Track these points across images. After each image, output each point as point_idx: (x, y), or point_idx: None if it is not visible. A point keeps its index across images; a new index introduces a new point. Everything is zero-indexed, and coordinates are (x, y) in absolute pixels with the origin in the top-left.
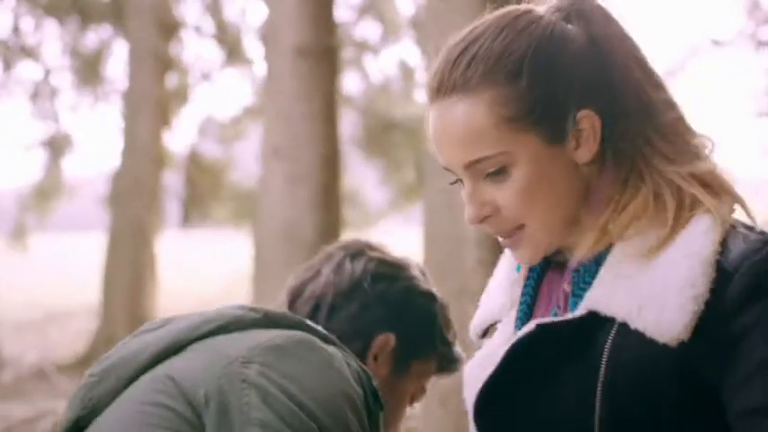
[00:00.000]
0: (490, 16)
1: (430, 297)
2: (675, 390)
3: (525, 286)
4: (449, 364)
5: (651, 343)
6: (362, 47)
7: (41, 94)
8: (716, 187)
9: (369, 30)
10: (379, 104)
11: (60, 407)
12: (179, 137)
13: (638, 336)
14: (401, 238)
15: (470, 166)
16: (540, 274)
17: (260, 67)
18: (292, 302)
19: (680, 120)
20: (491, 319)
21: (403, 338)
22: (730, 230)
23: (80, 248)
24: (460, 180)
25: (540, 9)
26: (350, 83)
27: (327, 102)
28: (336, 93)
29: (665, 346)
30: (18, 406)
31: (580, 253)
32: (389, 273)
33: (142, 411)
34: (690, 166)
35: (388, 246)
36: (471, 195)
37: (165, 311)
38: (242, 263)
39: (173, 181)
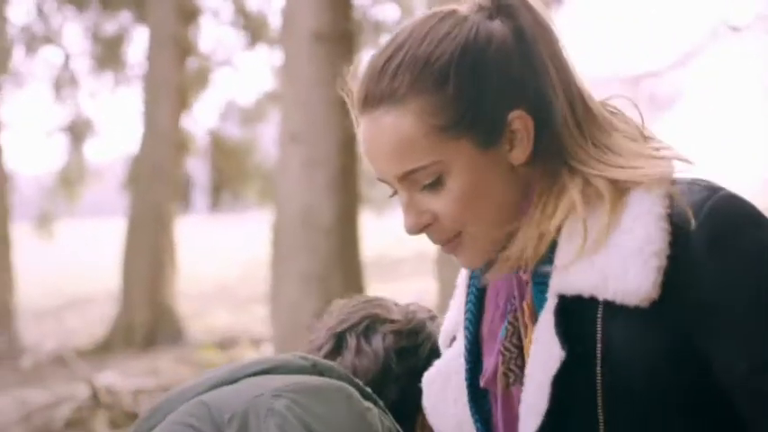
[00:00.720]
0: (414, 20)
1: None
2: (666, 360)
3: (468, 294)
4: None
5: (633, 313)
6: (379, 29)
7: (62, 79)
8: (650, 163)
9: (386, 12)
10: None
11: (79, 392)
12: (200, 121)
13: (620, 309)
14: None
15: (404, 177)
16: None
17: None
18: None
19: (603, 109)
20: (452, 333)
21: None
22: (673, 187)
23: (101, 234)
24: (396, 192)
25: (464, 8)
26: None
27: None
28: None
29: (644, 314)
30: (37, 392)
31: (525, 263)
32: (412, 344)
33: (170, 430)
34: (615, 156)
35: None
36: (408, 206)
37: (184, 297)
38: (262, 247)
39: (197, 166)
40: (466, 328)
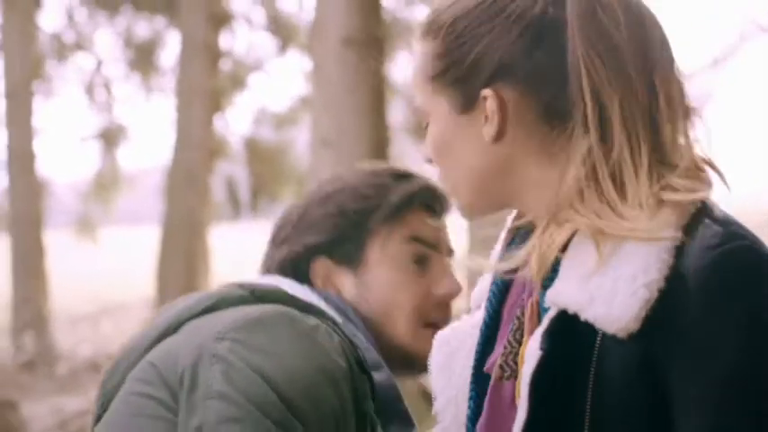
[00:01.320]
0: None
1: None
2: (645, 391)
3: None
4: (416, 200)
5: (620, 340)
6: (410, 32)
7: (94, 85)
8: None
9: (416, 15)
10: None
11: None
12: (233, 126)
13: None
14: (452, 221)
15: (417, 111)
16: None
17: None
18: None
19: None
20: (479, 300)
21: (335, 250)
22: (691, 220)
23: (137, 241)
24: None
25: None
26: (399, 71)
27: (375, 92)
28: (384, 82)
29: (628, 342)
30: (73, 399)
31: (533, 277)
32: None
33: (127, 402)
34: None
35: None
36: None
37: None
38: None
39: (233, 171)
40: (488, 301)
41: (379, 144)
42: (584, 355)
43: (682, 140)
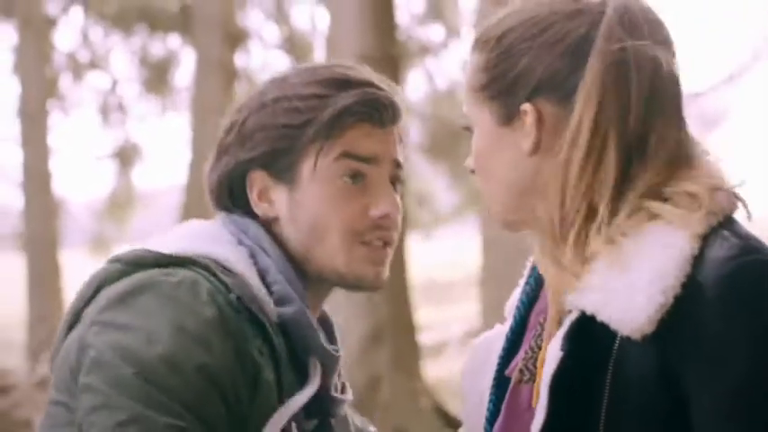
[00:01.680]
0: None
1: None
2: (661, 394)
3: (529, 276)
4: (356, 109)
5: (637, 344)
6: (425, 50)
7: (110, 104)
8: (700, 193)
9: (430, 33)
10: (443, 109)
11: None
12: None
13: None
14: (463, 242)
15: (464, 120)
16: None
17: None
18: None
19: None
20: (512, 309)
21: (270, 164)
22: (714, 230)
23: None
24: None
25: (602, 1)
26: (414, 88)
27: None
28: None
29: (645, 346)
30: None
31: (557, 297)
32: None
33: (47, 414)
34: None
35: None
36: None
37: None
38: None
39: None
40: (516, 308)
41: None
42: (603, 358)
43: (710, 158)
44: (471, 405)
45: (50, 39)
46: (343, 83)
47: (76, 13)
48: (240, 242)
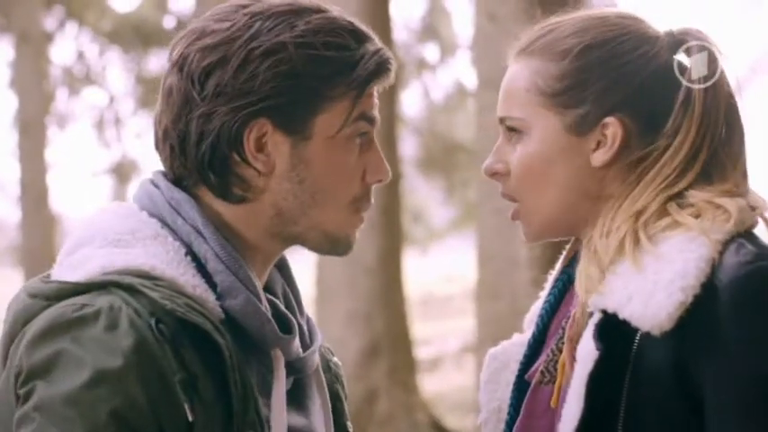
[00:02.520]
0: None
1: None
2: (677, 391)
3: (553, 287)
4: (371, 68)
5: (656, 341)
6: (422, 66)
7: (106, 120)
8: (725, 205)
9: (428, 50)
10: (438, 125)
11: None
12: None
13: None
14: (460, 256)
15: (502, 121)
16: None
17: None
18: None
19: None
20: (532, 320)
21: (277, 112)
22: (732, 238)
23: None
24: None
25: (661, 29)
26: (410, 105)
27: (386, 124)
28: (395, 115)
29: (663, 342)
30: None
31: (587, 297)
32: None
33: None
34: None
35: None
36: (495, 149)
37: None
38: (306, 286)
39: None
40: (539, 317)
41: (390, 178)
42: (623, 355)
43: (742, 171)
44: (489, 412)
45: (47, 54)
46: (361, 35)
47: (73, 28)
48: (168, 226)
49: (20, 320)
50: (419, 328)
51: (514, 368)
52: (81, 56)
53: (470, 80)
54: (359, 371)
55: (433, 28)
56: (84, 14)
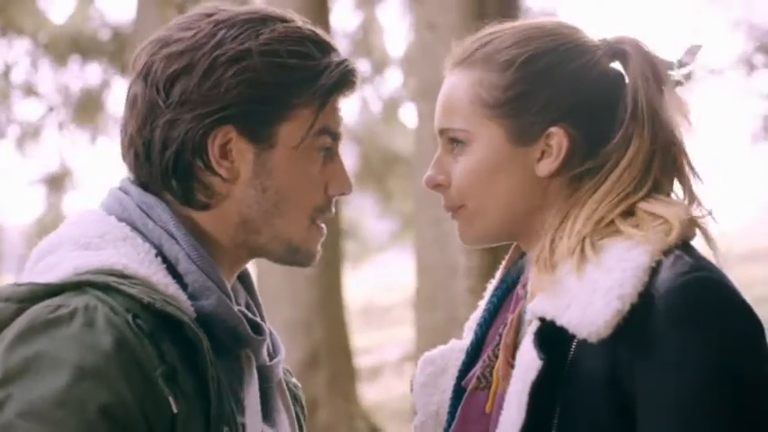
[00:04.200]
0: (558, 21)
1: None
2: (611, 398)
3: (492, 295)
4: (336, 77)
5: (592, 349)
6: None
7: (41, 130)
8: (663, 216)
9: (361, 66)
10: (375, 136)
11: None
12: None
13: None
14: (401, 265)
15: (442, 132)
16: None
17: None
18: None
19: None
20: (472, 327)
21: (242, 119)
22: (671, 248)
23: None
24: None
25: (597, 38)
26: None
27: None
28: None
29: (599, 350)
30: None
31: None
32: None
33: None
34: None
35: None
36: (436, 160)
37: None
38: None
39: None
40: (478, 325)
41: None
42: (559, 362)
43: (689, 181)
44: (426, 415)
45: None
46: (325, 45)
47: (9, 38)
48: (138, 230)
49: None
50: (359, 337)
51: (453, 373)
52: (17, 65)
53: (404, 92)
54: (299, 380)
55: (366, 41)
56: (21, 24)
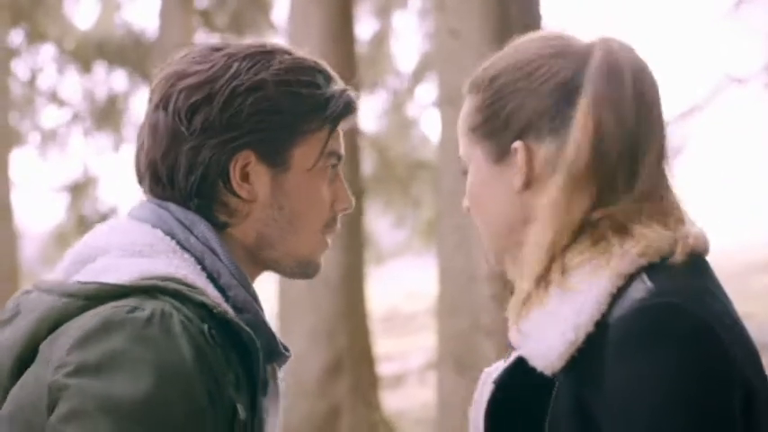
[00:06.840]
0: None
1: (257, 84)
2: (582, 427)
3: None
4: (339, 111)
5: (566, 381)
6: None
7: (66, 137)
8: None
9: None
10: (398, 142)
11: None
12: None
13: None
14: (424, 273)
15: (460, 159)
16: None
17: None
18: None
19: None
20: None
21: (260, 144)
22: (639, 271)
23: None
24: None
25: (588, 44)
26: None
27: (348, 143)
28: (356, 133)
29: (565, 381)
30: None
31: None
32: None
33: None
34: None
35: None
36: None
37: None
38: (269, 302)
39: None
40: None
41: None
42: (543, 392)
43: (666, 193)
44: (474, 430)
45: (11, 69)
46: (327, 75)
47: (36, 45)
48: (180, 244)
49: (50, 319)
50: (382, 344)
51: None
52: (42, 70)
53: (426, 99)
54: (321, 387)
55: (384, 49)
56: (46, 31)
